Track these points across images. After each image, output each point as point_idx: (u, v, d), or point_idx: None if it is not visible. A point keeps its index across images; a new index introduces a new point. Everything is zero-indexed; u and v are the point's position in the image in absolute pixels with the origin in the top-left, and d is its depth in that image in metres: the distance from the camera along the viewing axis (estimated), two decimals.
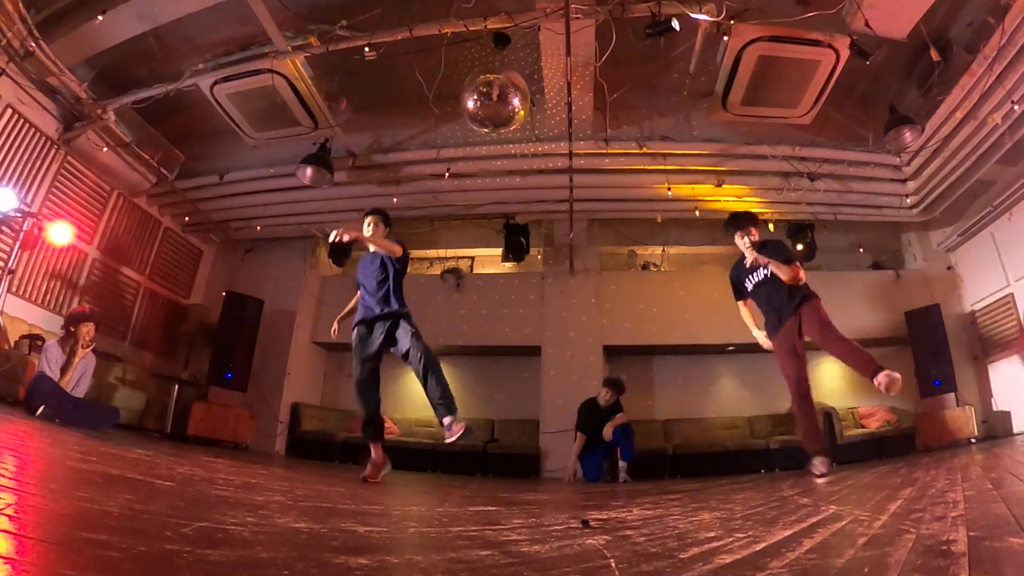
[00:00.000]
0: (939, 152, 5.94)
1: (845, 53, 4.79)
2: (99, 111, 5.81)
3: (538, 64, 5.31)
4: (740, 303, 4.16)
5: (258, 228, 7.86)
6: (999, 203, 6.39)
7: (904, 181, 6.59)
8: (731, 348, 7.44)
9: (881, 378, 3.22)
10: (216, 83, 5.55)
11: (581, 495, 3.63)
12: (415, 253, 9.11)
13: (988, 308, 6.83)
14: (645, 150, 6.28)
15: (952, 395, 6.32)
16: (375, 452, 3.68)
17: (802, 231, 7.37)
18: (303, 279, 7.96)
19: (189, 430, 6.39)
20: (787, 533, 1.38)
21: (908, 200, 6.78)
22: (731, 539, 1.33)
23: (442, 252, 8.86)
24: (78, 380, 4.64)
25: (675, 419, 7.57)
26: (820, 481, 3.40)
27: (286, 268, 8.04)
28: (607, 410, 5.89)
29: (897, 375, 3.21)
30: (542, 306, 7.76)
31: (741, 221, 4.02)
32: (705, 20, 4.52)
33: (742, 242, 3.97)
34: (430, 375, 3.48)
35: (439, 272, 8.18)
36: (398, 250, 3.71)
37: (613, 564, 1.04)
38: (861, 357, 3.44)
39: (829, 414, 6.68)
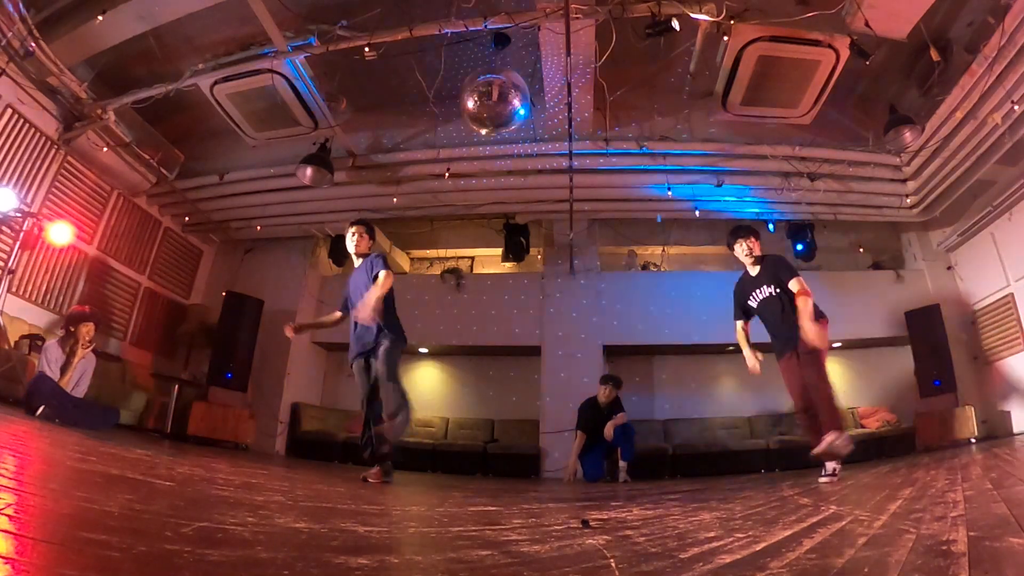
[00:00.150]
0: (939, 152, 5.94)
1: (845, 53, 4.79)
2: (99, 111, 5.81)
3: (538, 64, 5.31)
4: (739, 324, 4.02)
5: (258, 228, 7.86)
6: (999, 203, 6.39)
7: (904, 181, 6.59)
8: (731, 348, 7.41)
9: (832, 436, 3.31)
10: (216, 83, 5.55)
11: (581, 495, 3.63)
12: (415, 253, 9.14)
13: (988, 308, 6.84)
14: (645, 150, 6.28)
15: (952, 395, 6.32)
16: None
17: (802, 231, 7.38)
18: (303, 279, 7.96)
19: (189, 430, 6.38)
20: (787, 533, 1.38)
21: (908, 200, 6.78)
22: (731, 539, 1.33)
23: (442, 252, 8.88)
24: (78, 380, 4.64)
25: (675, 419, 7.58)
26: (822, 480, 3.38)
27: (286, 268, 8.04)
28: (607, 409, 5.89)
29: (847, 446, 3.24)
30: (542, 306, 7.76)
31: (740, 230, 3.95)
32: (705, 20, 4.53)
33: (741, 250, 3.89)
34: (381, 389, 3.56)
35: (439, 272, 8.18)
36: (386, 287, 3.64)
37: (613, 564, 1.04)
38: (834, 411, 3.46)
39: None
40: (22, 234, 5.54)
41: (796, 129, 5.98)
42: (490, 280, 8.32)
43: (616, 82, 5.57)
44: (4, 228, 5.41)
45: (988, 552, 0.99)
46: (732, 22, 4.61)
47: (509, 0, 4.75)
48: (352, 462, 6.22)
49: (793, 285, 3.68)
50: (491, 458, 7.04)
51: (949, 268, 7.42)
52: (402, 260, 8.97)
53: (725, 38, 4.78)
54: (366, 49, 4.84)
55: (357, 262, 3.95)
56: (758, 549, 1.18)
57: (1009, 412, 6.33)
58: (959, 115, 5.37)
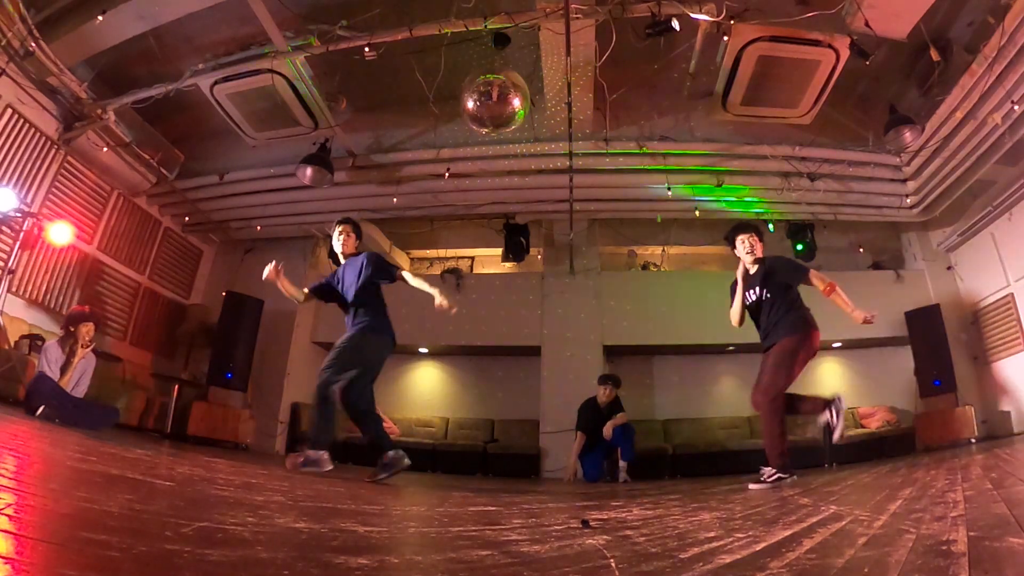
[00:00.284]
0: (939, 152, 5.94)
1: (845, 53, 4.79)
2: (99, 111, 5.81)
3: (538, 64, 5.31)
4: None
5: (258, 228, 7.86)
6: (999, 203, 6.39)
7: (904, 181, 6.59)
8: (731, 348, 7.45)
9: (769, 472, 3.38)
10: (216, 83, 5.55)
11: (581, 495, 3.63)
12: (415, 253, 9.13)
13: (988, 308, 6.84)
14: (645, 150, 6.28)
15: (952, 395, 6.32)
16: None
17: (802, 231, 7.38)
18: (303, 279, 7.87)
19: (189, 430, 6.39)
20: (787, 533, 1.38)
21: (908, 200, 6.78)
22: (731, 539, 1.33)
23: (442, 252, 8.87)
24: (78, 380, 4.63)
25: (675, 419, 7.58)
26: (753, 487, 3.27)
27: (286, 268, 7.91)
28: (607, 409, 5.89)
29: (773, 488, 3.17)
30: (542, 306, 7.76)
31: (743, 227, 3.90)
32: (705, 20, 4.52)
33: (743, 247, 3.83)
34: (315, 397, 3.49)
35: (439, 272, 8.18)
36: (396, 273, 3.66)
37: (613, 564, 1.04)
38: (777, 442, 3.46)
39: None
40: (22, 234, 5.54)
41: (796, 129, 5.98)
42: (490, 280, 8.32)
43: (616, 82, 5.57)
44: (4, 228, 5.41)
45: (988, 552, 0.99)
46: (732, 22, 4.61)
47: (509, 0, 4.74)
48: (352, 462, 6.22)
49: (816, 283, 3.63)
50: (491, 458, 7.04)
51: (949, 268, 7.42)
52: (402, 260, 8.97)
53: (725, 38, 4.78)
54: (366, 49, 4.84)
55: (343, 261, 3.91)
56: (758, 549, 1.18)
57: (1009, 412, 6.33)
58: (959, 115, 5.37)
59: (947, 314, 6.73)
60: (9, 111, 5.36)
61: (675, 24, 4.35)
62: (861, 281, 7.51)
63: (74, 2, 5.13)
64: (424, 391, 8.27)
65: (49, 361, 4.50)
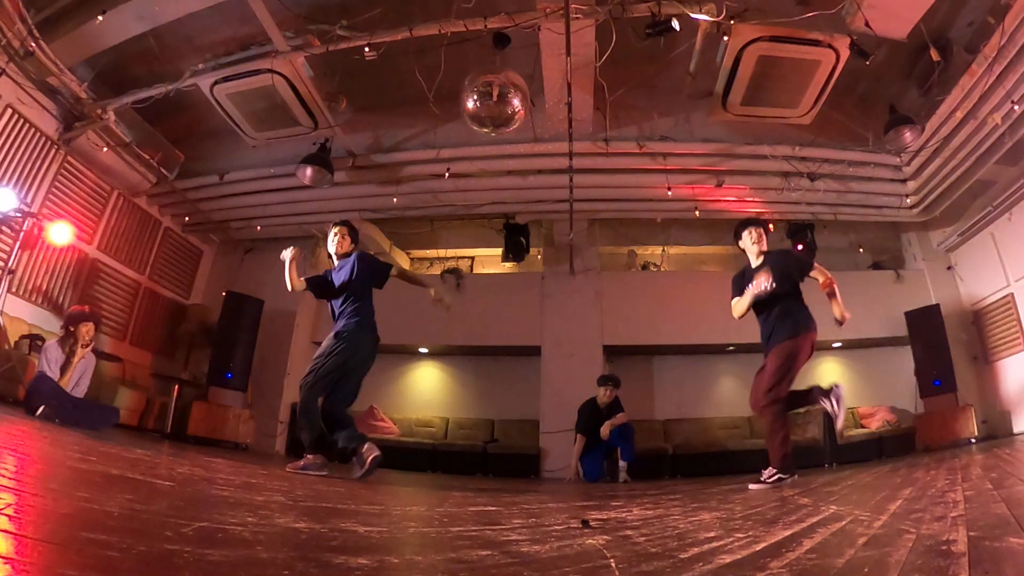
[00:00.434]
0: (939, 152, 5.94)
1: (845, 53, 4.79)
2: (99, 111, 5.81)
3: (538, 64, 5.30)
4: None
5: (258, 228, 7.86)
6: (999, 203, 6.39)
7: (904, 181, 6.59)
8: (731, 348, 7.45)
9: (769, 472, 3.37)
10: (216, 83, 5.54)
11: (581, 495, 3.63)
12: (415, 253, 9.13)
13: (988, 308, 6.84)
14: (645, 150, 6.28)
15: (952, 395, 6.32)
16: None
17: (802, 231, 7.37)
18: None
19: (189, 430, 6.39)
20: (787, 533, 1.38)
21: (908, 200, 6.78)
22: (731, 539, 1.33)
23: (442, 252, 8.87)
24: (78, 380, 4.63)
25: (675, 419, 7.58)
26: (752, 487, 3.27)
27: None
28: (607, 410, 5.89)
29: (773, 488, 3.17)
30: (542, 306, 7.76)
31: (751, 221, 3.89)
32: (705, 20, 4.52)
33: (750, 239, 3.80)
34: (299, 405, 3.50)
35: (439, 272, 8.18)
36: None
37: (613, 564, 1.04)
38: (778, 443, 3.43)
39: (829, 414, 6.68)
40: (22, 234, 5.54)
41: (796, 129, 5.98)
42: (490, 280, 8.32)
43: (616, 82, 5.57)
44: (4, 228, 5.41)
45: (988, 552, 0.99)
46: (732, 22, 4.61)
47: (509, 0, 4.74)
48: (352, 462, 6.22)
49: (817, 275, 3.65)
50: (491, 458, 7.04)
51: (949, 268, 7.42)
52: (402, 260, 8.97)
53: (725, 38, 4.78)
54: (366, 49, 4.84)
55: (337, 262, 3.92)
56: (758, 549, 1.18)
57: (1009, 412, 6.33)
58: (959, 115, 5.37)
59: (947, 314, 6.73)
60: (9, 111, 5.36)
61: (675, 24, 4.35)
62: (861, 281, 7.51)
63: (74, 2, 5.13)
64: (424, 391, 8.27)
65: (49, 361, 4.50)
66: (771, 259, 3.76)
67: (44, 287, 5.97)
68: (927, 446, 6.21)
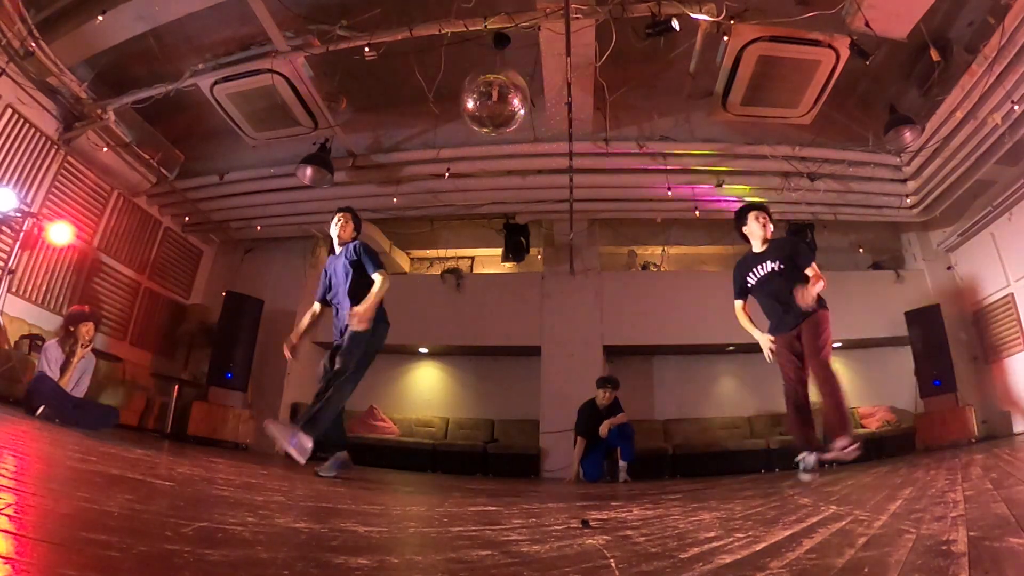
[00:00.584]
0: (939, 152, 5.94)
1: (845, 53, 4.79)
2: (99, 111, 5.81)
3: (538, 64, 5.30)
4: (739, 303, 3.87)
5: (258, 228, 7.86)
6: (999, 203, 6.39)
7: (904, 181, 6.59)
8: (731, 348, 7.45)
9: (844, 442, 3.19)
10: (216, 83, 5.55)
11: (581, 495, 3.63)
12: (415, 253, 9.14)
13: (988, 308, 6.84)
14: (645, 150, 6.28)
15: (952, 395, 6.32)
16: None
17: (802, 231, 7.37)
18: (303, 279, 7.95)
19: (189, 430, 6.38)
20: (787, 533, 1.38)
21: (908, 200, 6.78)
22: (731, 539, 1.33)
23: (442, 252, 8.87)
24: (78, 380, 4.64)
25: (675, 419, 7.58)
26: (804, 478, 3.31)
27: (286, 268, 8.03)
28: (606, 412, 5.88)
29: (855, 453, 3.12)
30: (542, 306, 7.76)
31: (756, 205, 3.83)
32: (705, 20, 4.52)
33: (756, 224, 3.73)
34: (332, 386, 3.43)
35: (439, 272, 8.18)
36: (382, 294, 3.53)
37: (613, 564, 1.04)
38: (841, 410, 3.30)
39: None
40: (22, 234, 5.54)
41: (796, 129, 5.98)
42: (490, 280, 8.32)
43: (616, 82, 5.57)
44: (4, 228, 5.41)
45: (988, 552, 0.99)
46: (732, 22, 4.61)
47: (509, 0, 4.74)
48: (352, 462, 6.22)
49: (809, 271, 3.56)
50: (491, 458, 7.04)
51: (949, 268, 7.42)
52: (402, 260, 8.97)
53: (725, 38, 4.78)
54: (366, 49, 4.84)
55: (338, 250, 3.88)
56: (758, 549, 1.18)
57: (1009, 412, 6.33)
58: (959, 115, 5.37)
59: (947, 314, 6.73)
60: (9, 111, 5.36)
61: (675, 24, 4.35)
62: (861, 281, 7.52)
63: (74, 2, 5.13)
64: (424, 391, 8.27)
65: (49, 361, 4.50)
66: (775, 245, 3.73)
67: (44, 287, 5.96)
68: (927, 446, 6.21)
